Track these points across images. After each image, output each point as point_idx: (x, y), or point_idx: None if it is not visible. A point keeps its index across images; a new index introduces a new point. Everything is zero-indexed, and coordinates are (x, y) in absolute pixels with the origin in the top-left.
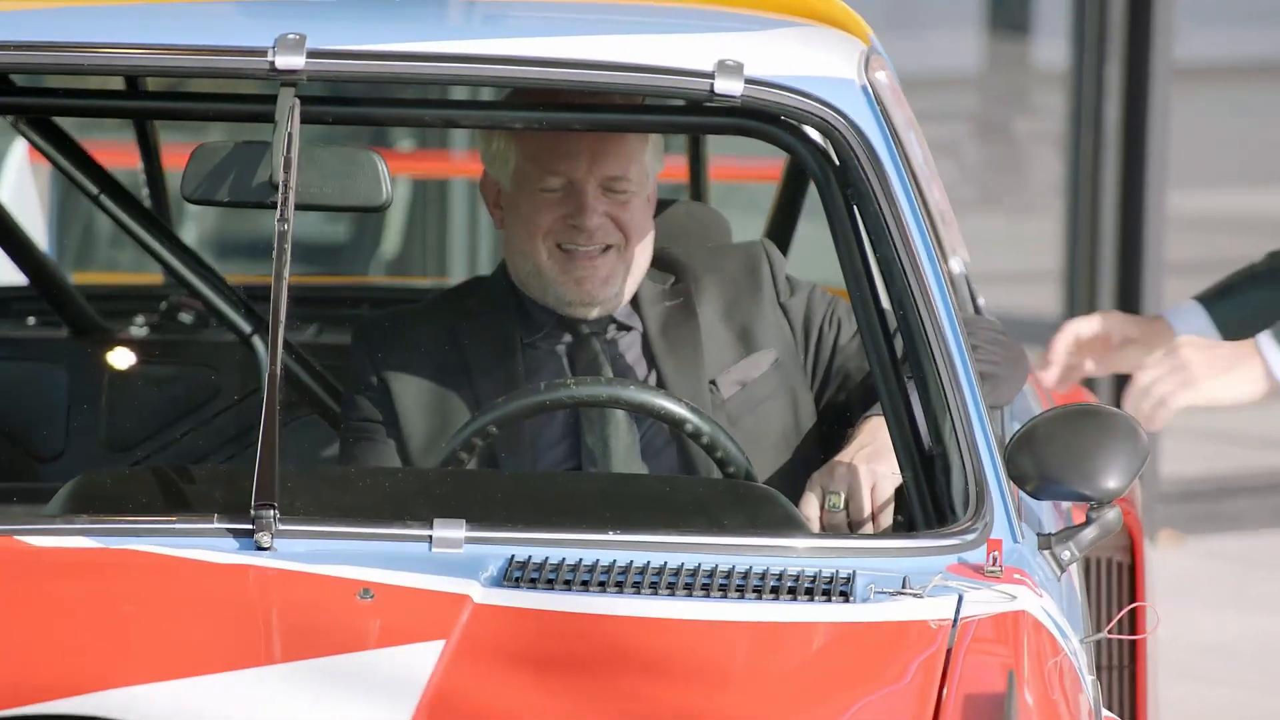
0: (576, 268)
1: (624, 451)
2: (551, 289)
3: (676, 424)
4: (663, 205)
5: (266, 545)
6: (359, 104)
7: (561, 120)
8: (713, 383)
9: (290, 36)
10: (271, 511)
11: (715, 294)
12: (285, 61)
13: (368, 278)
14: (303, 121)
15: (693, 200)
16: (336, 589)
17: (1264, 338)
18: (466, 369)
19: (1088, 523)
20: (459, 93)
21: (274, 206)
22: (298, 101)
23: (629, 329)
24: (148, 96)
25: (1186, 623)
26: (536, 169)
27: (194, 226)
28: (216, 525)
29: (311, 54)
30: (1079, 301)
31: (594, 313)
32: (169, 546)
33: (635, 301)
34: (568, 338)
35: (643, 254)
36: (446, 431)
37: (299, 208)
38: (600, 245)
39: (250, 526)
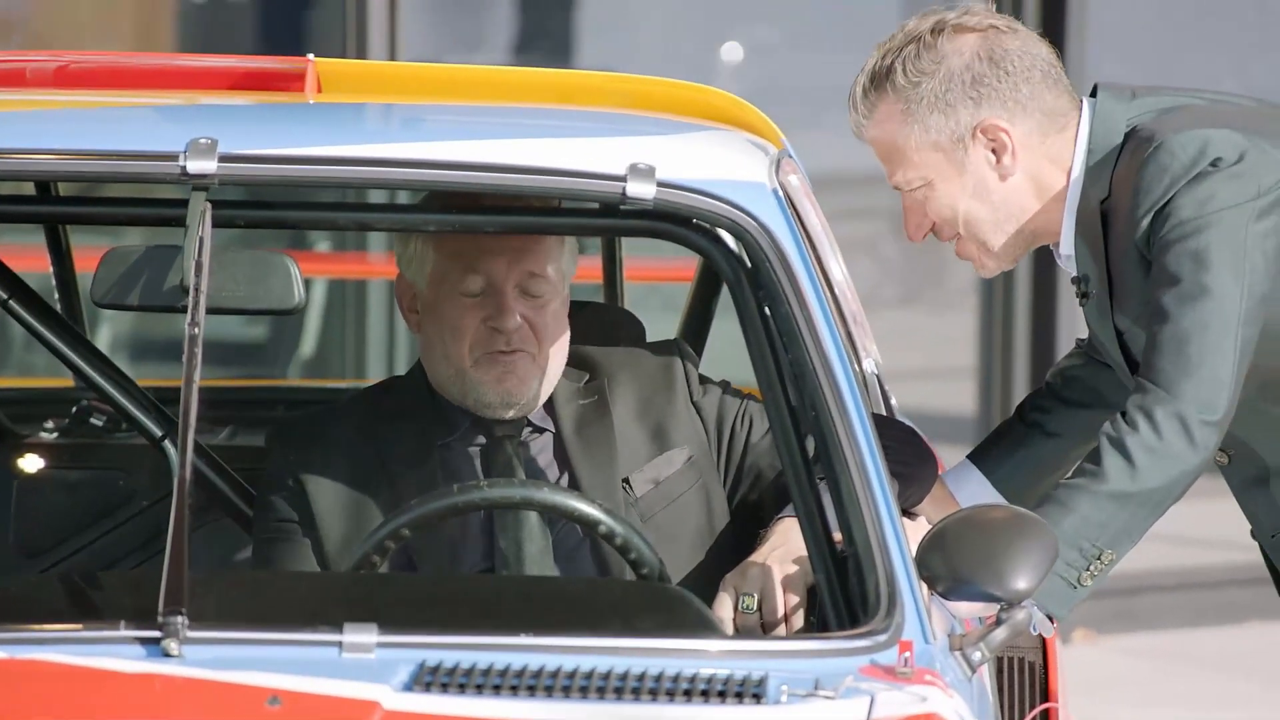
0: (497, 369)
1: (537, 554)
2: (471, 392)
3: (590, 525)
4: (578, 307)
5: (174, 653)
6: (272, 207)
7: (475, 224)
8: (626, 481)
9: (202, 141)
10: (179, 618)
11: (629, 392)
12: (197, 166)
13: (285, 380)
14: (214, 225)
15: (608, 301)
16: (244, 697)
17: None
18: (383, 469)
19: (999, 623)
20: (375, 196)
21: (184, 310)
22: (209, 205)
23: (543, 431)
24: (59, 201)
25: None
26: (456, 268)
27: (108, 329)
28: (124, 633)
29: (223, 158)
30: (994, 398)
31: (510, 413)
32: (76, 655)
33: (550, 402)
34: (482, 439)
35: (557, 358)
36: (363, 532)
37: (210, 311)
38: (519, 348)
39: (158, 634)
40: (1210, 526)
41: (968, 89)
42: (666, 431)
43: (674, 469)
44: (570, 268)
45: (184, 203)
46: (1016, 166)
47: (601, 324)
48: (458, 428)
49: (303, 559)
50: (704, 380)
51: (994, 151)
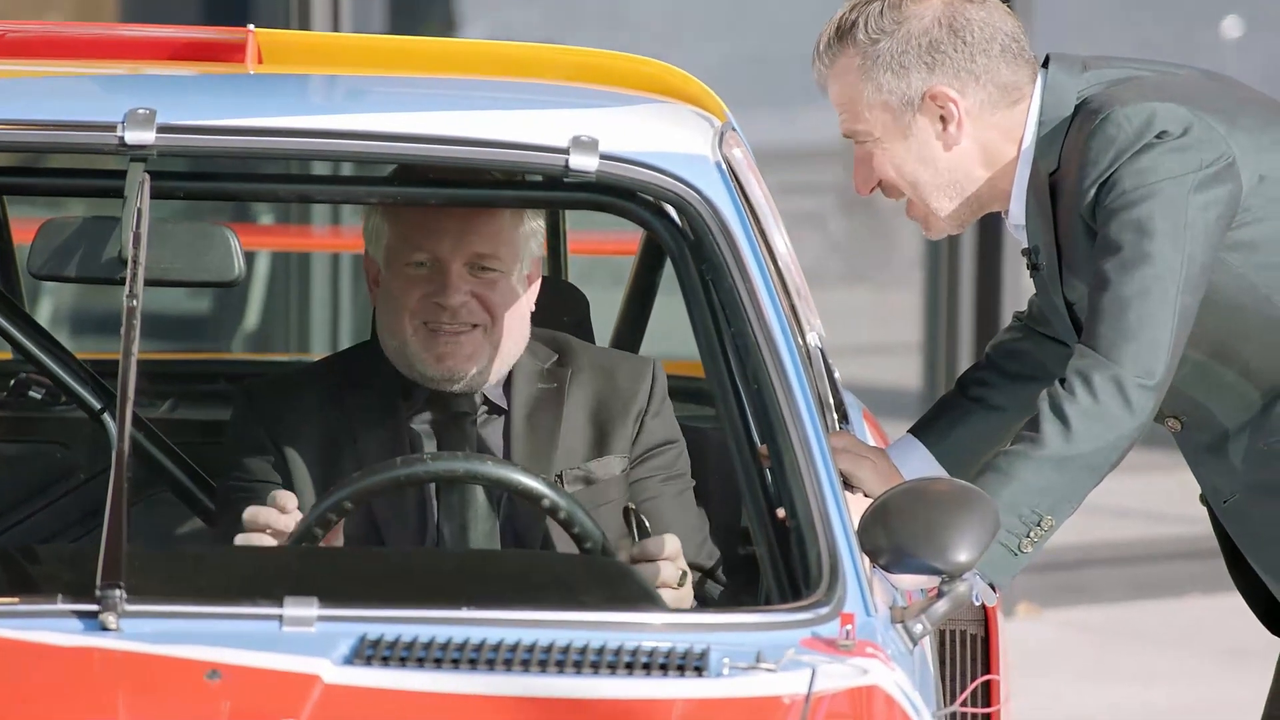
0: (439, 344)
1: (483, 531)
2: (416, 365)
3: (533, 499)
4: None
5: (112, 626)
6: (212, 179)
7: (418, 196)
8: (559, 475)
9: (140, 111)
10: (117, 591)
11: (590, 389)
12: (135, 136)
13: (227, 353)
14: (153, 197)
15: (552, 275)
16: (183, 670)
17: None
18: (348, 435)
19: (940, 595)
20: (317, 168)
21: (123, 282)
22: (147, 176)
23: (501, 411)
24: None
25: (1044, 695)
26: (404, 245)
27: (49, 302)
28: (61, 606)
29: (162, 129)
30: (938, 373)
31: (457, 388)
32: (12, 629)
33: (509, 380)
34: (438, 414)
35: (513, 335)
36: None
37: (149, 283)
38: (465, 324)
39: (96, 607)
40: (1152, 500)
41: (923, 53)
42: (611, 437)
43: (610, 474)
44: (531, 246)
45: (122, 174)
46: (962, 136)
47: (546, 298)
48: (417, 400)
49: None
50: (664, 404)
51: (941, 119)
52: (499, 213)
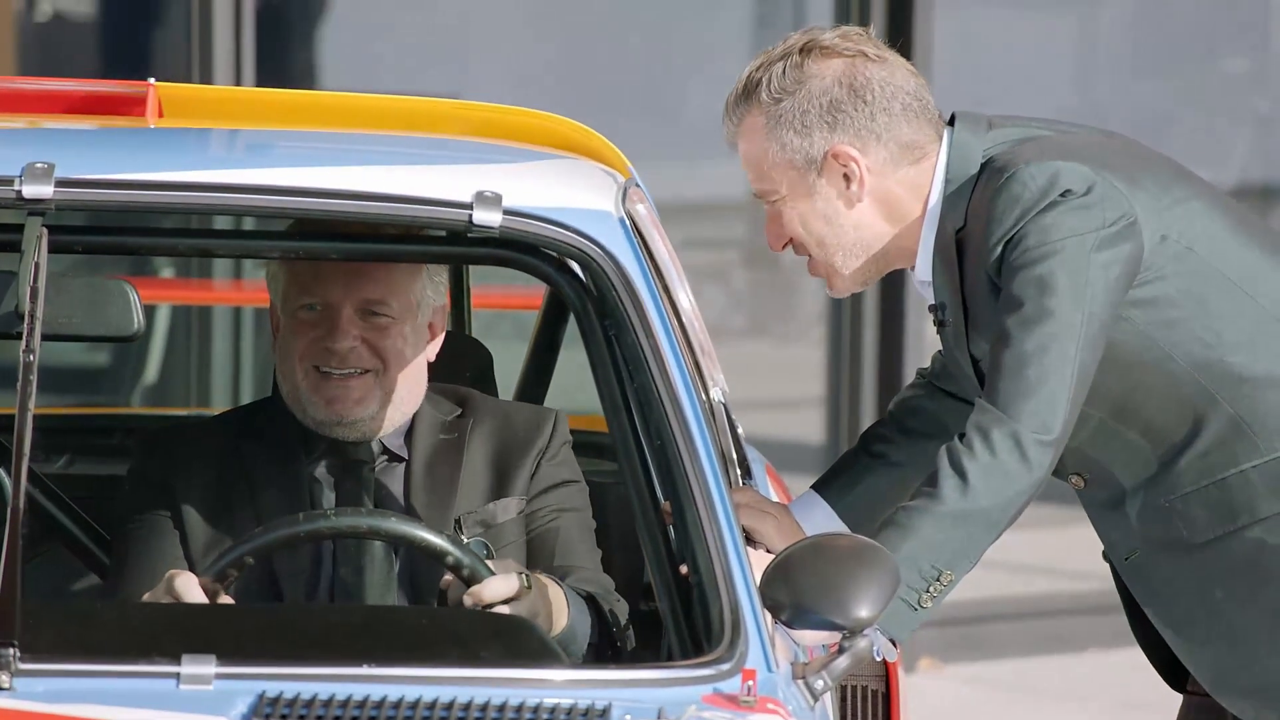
0: (329, 388)
1: (379, 583)
2: (307, 409)
3: (437, 556)
4: None
5: (6, 685)
6: (111, 233)
7: (320, 250)
8: (457, 521)
9: (38, 165)
10: (11, 649)
11: (490, 437)
12: (33, 190)
13: (127, 408)
14: (51, 251)
15: (455, 329)
16: None
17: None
18: (246, 486)
19: (841, 651)
20: (218, 222)
21: (19, 337)
22: (45, 230)
23: (399, 460)
24: None
25: None
26: (296, 290)
27: None
28: None
29: (60, 183)
30: (842, 427)
31: (350, 435)
32: None
33: (411, 429)
34: (337, 463)
35: (409, 382)
36: (222, 546)
37: (46, 338)
38: (355, 369)
39: None
40: (1052, 555)
41: (824, 113)
42: (509, 480)
43: (507, 517)
44: (431, 294)
45: (19, 227)
46: (864, 194)
47: (448, 352)
48: (315, 449)
49: (172, 559)
50: (563, 448)
51: (844, 178)
52: (394, 264)
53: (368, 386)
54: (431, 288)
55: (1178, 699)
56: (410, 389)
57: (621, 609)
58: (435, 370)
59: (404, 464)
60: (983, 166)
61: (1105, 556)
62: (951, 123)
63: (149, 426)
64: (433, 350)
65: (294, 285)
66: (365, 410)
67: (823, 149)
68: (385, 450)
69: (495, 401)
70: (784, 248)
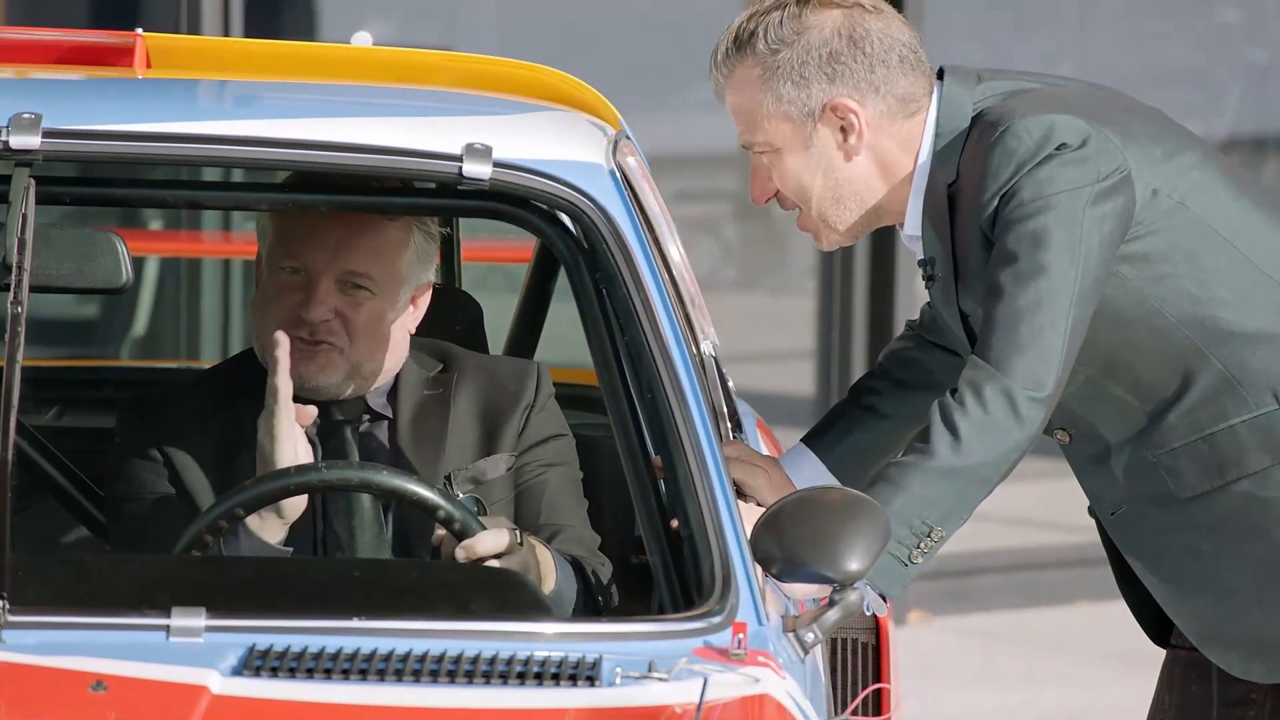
0: (295, 351)
1: (370, 538)
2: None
3: (427, 510)
4: None
5: None
6: (99, 184)
7: (308, 202)
8: (448, 478)
9: (25, 116)
10: (0, 602)
11: (475, 393)
12: (20, 141)
13: (115, 360)
14: (39, 202)
15: (445, 282)
16: (68, 682)
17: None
18: (237, 442)
19: (831, 604)
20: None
21: (7, 288)
22: (33, 182)
23: (382, 418)
24: None
25: (935, 701)
26: (281, 249)
27: None
28: None
29: (48, 134)
30: (832, 380)
31: (318, 397)
32: None
33: (395, 389)
34: (321, 421)
35: (380, 354)
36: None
37: (35, 289)
38: (323, 340)
39: None
40: (1042, 508)
41: (823, 64)
42: (498, 436)
43: (497, 473)
44: (416, 271)
45: (7, 178)
46: (862, 147)
47: (439, 306)
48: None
49: (162, 526)
50: (549, 401)
51: (842, 130)
52: (379, 231)
53: (332, 357)
54: (418, 264)
55: (1164, 652)
56: (381, 360)
57: (605, 570)
58: (425, 324)
59: (388, 422)
60: (974, 120)
61: (1091, 511)
62: (940, 77)
63: (133, 391)
64: (413, 322)
65: (280, 244)
66: (328, 379)
67: (821, 101)
68: (369, 409)
69: (477, 356)
70: (768, 201)
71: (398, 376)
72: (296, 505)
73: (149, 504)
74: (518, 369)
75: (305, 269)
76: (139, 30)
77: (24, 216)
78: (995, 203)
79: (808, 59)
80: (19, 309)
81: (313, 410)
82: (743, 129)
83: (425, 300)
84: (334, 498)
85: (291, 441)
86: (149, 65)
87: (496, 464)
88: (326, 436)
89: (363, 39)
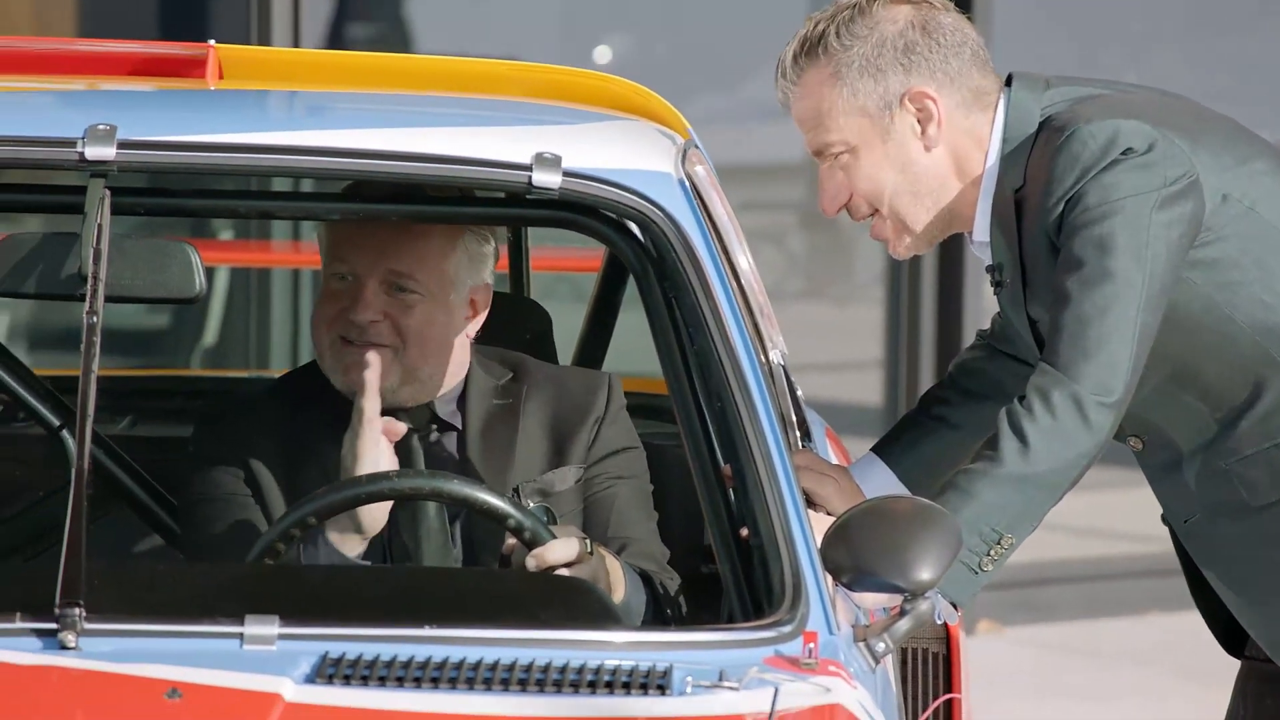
0: (347, 355)
1: (436, 547)
2: (333, 375)
3: (498, 519)
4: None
5: (71, 645)
6: (172, 195)
7: (378, 212)
8: (516, 490)
9: (101, 127)
10: (77, 610)
11: (546, 404)
12: (95, 152)
13: (186, 369)
14: (114, 213)
15: (514, 292)
16: (143, 689)
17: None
18: (309, 451)
19: (902, 614)
20: (277, 184)
21: (82, 299)
22: (108, 193)
23: (452, 429)
24: None
25: (1005, 712)
26: (331, 256)
27: (3, 317)
28: (19, 625)
29: (122, 144)
30: (900, 389)
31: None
32: None
33: (464, 396)
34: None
35: (437, 360)
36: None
37: (109, 300)
38: (373, 343)
39: (55, 626)
40: (1113, 518)
41: (899, 55)
42: (567, 448)
43: (566, 486)
44: (467, 273)
45: (82, 189)
46: (941, 138)
47: (507, 315)
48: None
49: (237, 533)
50: (620, 412)
51: (920, 121)
52: (425, 233)
53: (387, 360)
54: (468, 267)
55: (1238, 664)
56: (438, 365)
57: (674, 584)
58: (494, 334)
59: (457, 432)
60: (1041, 125)
61: (1164, 520)
62: (1009, 83)
63: (204, 401)
64: (473, 327)
65: (329, 252)
66: (384, 384)
67: (899, 91)
68: (436, 418)
69: (548, 366)
70: (839, 210)
71: (466, 384)
72: (376, 520)
73: (222, 513)
74: (588, 380)
75: (354, 273)
76: (212, 41)
77: (99, 227)
78: (1060, 208)
79: (883, 50)
80: (94, 319)
81: (402, 426)
82: (815, 134)
83: (485, 305)
84: (401, 506)
85: (373, 460)
86: (221, 76)
87: (565, 476)
88: (396, 447)
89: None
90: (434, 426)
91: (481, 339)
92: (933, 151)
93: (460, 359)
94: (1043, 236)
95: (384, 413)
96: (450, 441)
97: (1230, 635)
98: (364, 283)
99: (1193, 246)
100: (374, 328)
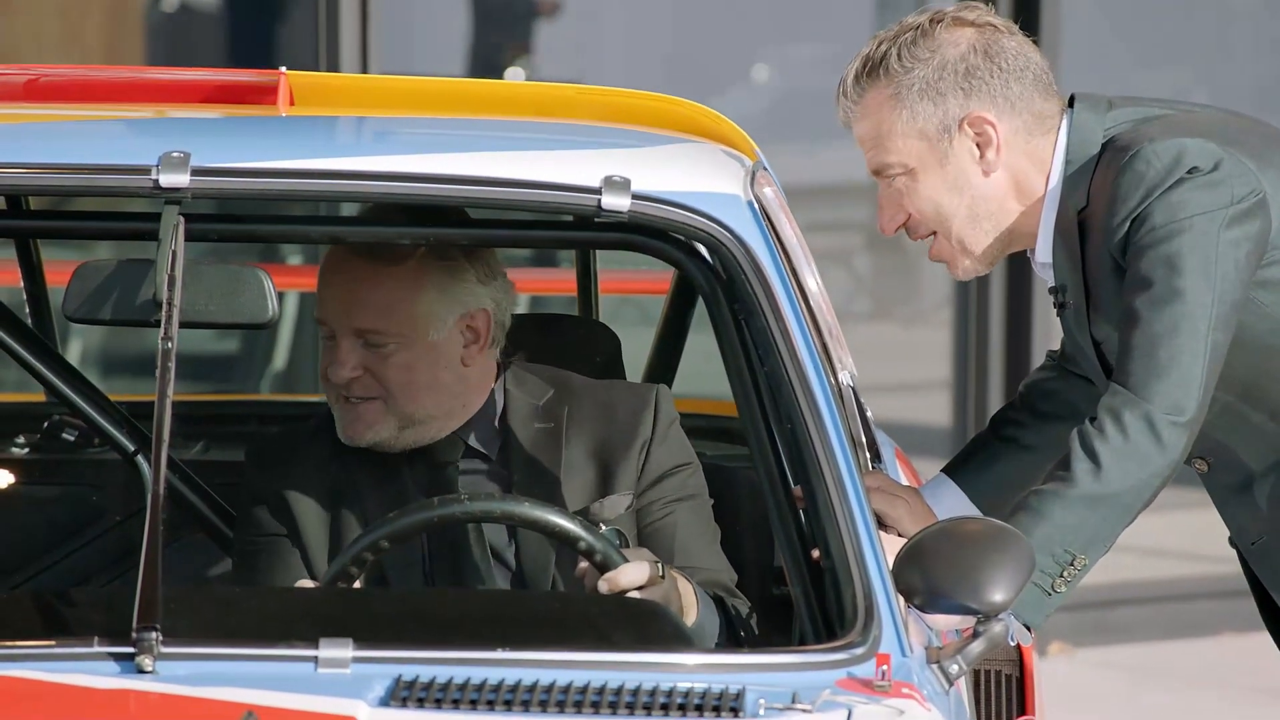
0: (344, 411)
1: (475, 569)
2: (339, 433)
3: (569, 541)
4: (551, 320)
5: (148, 669)
6: (245, 221)
7: (447, 236)
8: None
9: (174, 155)
10: (154, 633)
11: (591, 428)
12: (169, 180)
13: (258, 394)
14: (187, 239)
15: (582, 314)
16: (219, 712)
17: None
18: (349, 484)
19: (975, 636)
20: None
21: (157, 324)
22: (182, 219)
23: (484, 457)
24: (30, 215)
25: None
26: (318, 310)
27: (78, 343)
28: (97, 649)
29: (196, 172)
30: (969, 411)
31: (384, 449)
32: (48, 671)
33: (504, 417)
34: (422, 463)
35: (433, 398)
36: (335, 546)
37: (183, 325)
38: (360, 396)
39: (132, 649)
40: (1184, 538)
41: (960, 79)
42: (615, 474)
43: (615, 513)
44: (442, 308)
45: (156, 216)
46: (999, 163)
47: (575, 338)
48: (403, 450)
49: (285, 571)
50: (670, 428)
51: (978, 145)
52: (389, 285)
53: (378, 412)
54: (444, 301)
55: None
56: (436, 404)
57: (744, 608)
58: (563, 357)
59: (492, 460)
60: (1104, 146)
61: (1231, 542)
62: (1071, 104)
63: (277, 419)
64: (471, 354)
65: (318, 303)
66: (379, 434)
67: (958, 115)
68: (468, 448)
69: (591, 383)
70: (897, 230)
71: (505, 407)
72: None
73: (272, 550)
74: (636, 399)
75: (331, 331)
76: (283, 69)
77: (174, 253)
78: (1126, 227)
79: (943, 74)
80: (169, 345)
81: None
82: (875, 154)
83: (492, 327)
84: (437, 533)
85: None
86: (292, 103)
87: (615, 505)
88: (429, 479)
89: (515, 74)
90: (464, 458)
91: (550, 361)
92: (991, 176)
93: (475, 384)
94: (1107, 257)
95: (399, 456)
96: (490, 469)
97: None
98: (339, 341)
99: (1260, 266)
100: (356, 384)
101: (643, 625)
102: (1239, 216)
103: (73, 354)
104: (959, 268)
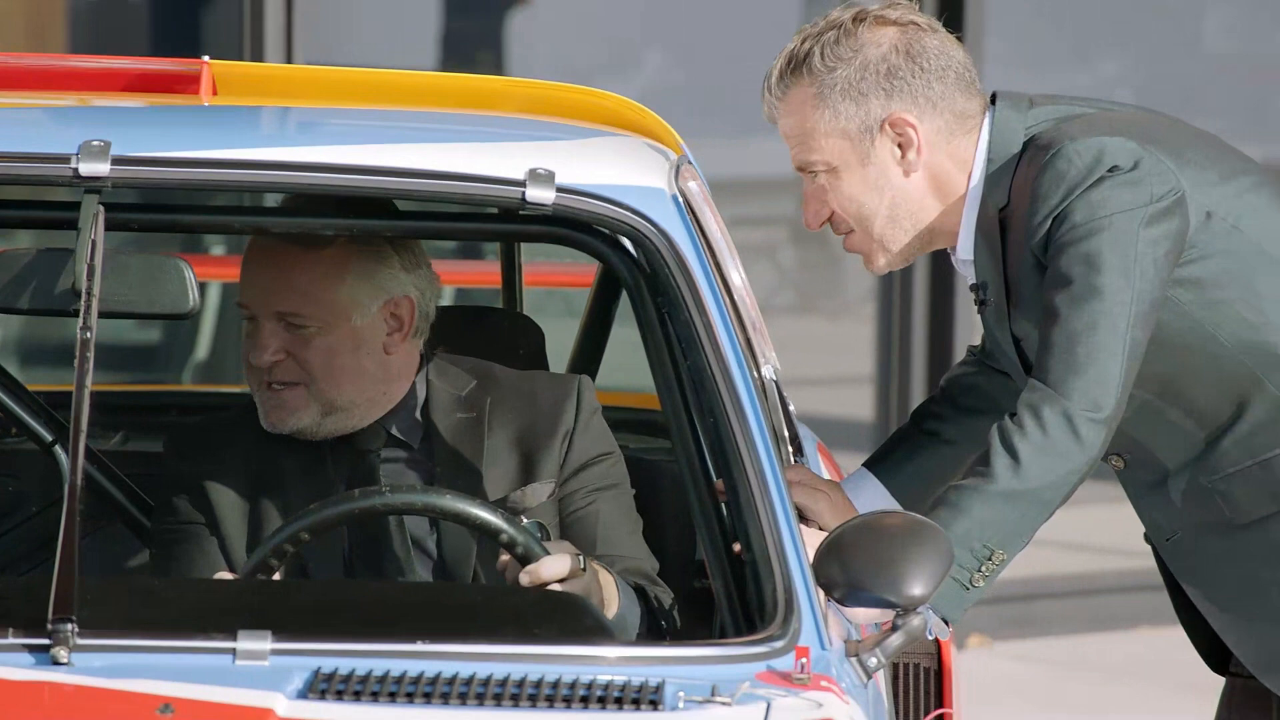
0: (267, 398)
1: (395, 560)
2: (261, 418)
3: (492, 533)
4: (477, 313)
5: (64, 660)
6: (166, 211)
7: (371, 228)
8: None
9: (95, 143)
10: (70, 625)
11: (513, 417)
12: (89, 168)
13: (179, 385)
14: (108, 229)
15: (507, 307)
16: (135, 705)
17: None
18: (271, 474)
19: (894, 629)
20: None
21: (76, 314)
22: (101, 209)
23: (405, 445)
24: None
25: None
26: (240, 292)
27: None
28: (11, 640)
29: (116, 161)
30: (892, 405)
31: (306, 437)
32: None
33: (425, 409)
34: (344, 452)
35: (357, 385)
36: (257, 536)
37: (103, 315)
38: (282, 381)
39: (47, 641)
40: (1103, 533)
41: (881, 80)
42: (537, 463)
43: (537, 502)
44: (364, 293)
45: (76, 205)
46: (920, 163)
47: (500, 330)
48: (325, 442)
49: (204, 561)
50: (593, 418)
51: (899, 146)
52: (311, 269)
53: (300, 398)
54: (366, 288)
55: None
56: (358, 391)
57: (666, 597)
58: (487, 348)
59: (414, 448)
60: (1025, 144)
61: (1146, 538)
62: (993, 102)
63: (197, 410)
64: (394, 341)
65: (240, 287)
66: (301, 421)
67: (879, 116)
68: (390, 436)
69: (514, 374)
70: (822, 225)
71: (427, 397)
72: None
73: (190, 538)
74: (557, 388)
75: (253, 314)
76: (205, 58)
77: (93, 243)
78: (1047, 225)
79: (865, 75)
80: (88, 334)
81: None
82: (798, 150)
83: (416, 315)
84: (359, 525)
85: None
86: (215, 92)
87: (536, 493)
88: (351, 469)
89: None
90: (386, 446)
91: (474, 353)
92: (912, 176)
93: (397, 373)
94: (1028, 255)
95: (322, 443)
96: (412, 459)
97: (1215, 651)
98: (261, 324)
99: (1178, 265)
100: (278, 367)
101: (563, 618)
102: (1158, 215)
103: None
104: (874, 263)
